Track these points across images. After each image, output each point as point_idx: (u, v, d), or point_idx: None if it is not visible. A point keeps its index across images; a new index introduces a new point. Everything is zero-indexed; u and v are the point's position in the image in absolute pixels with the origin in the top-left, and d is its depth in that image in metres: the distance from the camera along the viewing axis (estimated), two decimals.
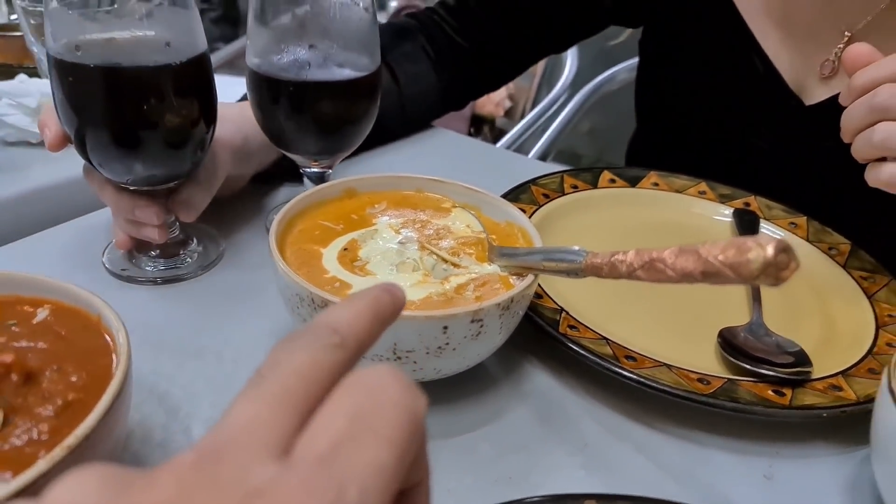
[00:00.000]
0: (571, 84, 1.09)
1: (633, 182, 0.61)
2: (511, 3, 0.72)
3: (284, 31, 0.47)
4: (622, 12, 0.74)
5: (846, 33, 0.59)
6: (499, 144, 1.02)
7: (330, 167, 0.51)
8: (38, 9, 0.72)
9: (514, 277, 0.39)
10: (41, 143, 0.64)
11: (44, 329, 0.30)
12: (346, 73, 0.47)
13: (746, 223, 0.55)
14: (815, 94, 0.61)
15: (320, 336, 0.17)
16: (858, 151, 0.44)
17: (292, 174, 0.57)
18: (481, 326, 0.34)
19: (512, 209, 0.44)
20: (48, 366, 0.28)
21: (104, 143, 0.41)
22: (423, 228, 0.42)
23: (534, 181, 0.58)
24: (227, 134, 0.49)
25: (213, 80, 0.45)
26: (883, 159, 0.43)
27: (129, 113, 0.41)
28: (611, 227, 0.56)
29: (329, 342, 0.17)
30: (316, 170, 0.51)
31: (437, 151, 0.72)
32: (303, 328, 0.18)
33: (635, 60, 0.79)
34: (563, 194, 0.58)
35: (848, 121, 0.44)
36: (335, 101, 0.47)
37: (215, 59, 1.31)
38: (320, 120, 0.47)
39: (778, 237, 0.24)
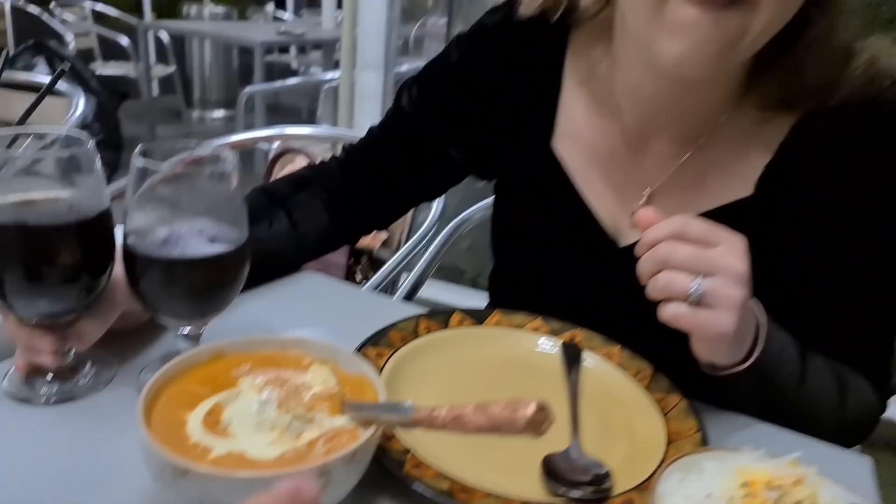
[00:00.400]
0: (439, 219, 1.21)
1: (480, 321, 0.70)
2: (381, 162, 0.85)
3: (156, 210, 0.53)
4: (472, 168, 0.87)
5: (647, 189, 0.74)
6: (374, 278, 1.10)
7: (202, 327, 0.56)
8: None
9: (362, 428, 0.45)
10: None
11: None
12: (215, 248, 0.53)
13: (571, 355, 0.65)
14: (627, 238, 0.75)
15: None
16: (650, 293, 0.56)
17: None
18: (329, 478, 0.40)
19: (364, 364, 0.50)
20: None
21: (11, 286, 0.50)
22: (282, 386, 0.48)
23: (392, 326, 0.66)
24: (122, 274, 0.55)
25: (111, 231, 0.54)
26: (669, 299, 0.55)
27: (33, 263, 0.50)
28: (459, 366, 0.64)
29: None
30: (188, 330, 0.56)
31: (307, 296, 0.79)
32: None
33: (489, 200, 0.91)
34: (418, 336, 0.66)
35: (641, 269, 0.56)
36: (205, 274, 0.53)
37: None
38: (191, 291, 0.53)
39: (538, 401, 0.32)
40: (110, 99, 3.58)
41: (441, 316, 0.69)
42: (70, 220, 0.51)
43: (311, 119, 5.39)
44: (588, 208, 0.76)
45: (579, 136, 0.77)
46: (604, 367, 0.65)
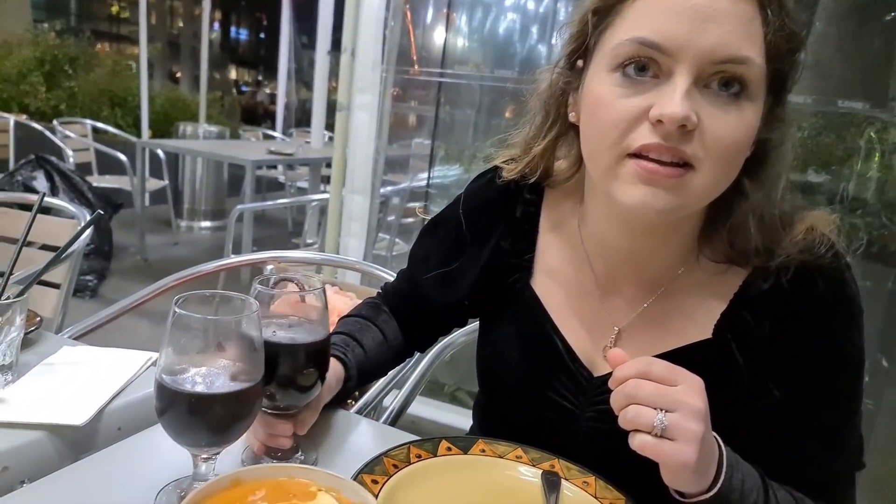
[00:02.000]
0: None
1: (465, 449, 0.76)
2: (410, 309, 1.00)
3: (187, 352, 0.61)
4: (475, 312, 0.97)
5: (616, 328, 0.83)
6: (362, 400, 1.15)
7: (217, 454, 0.62)
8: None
9: None
10: None
11: None
12: (235, 385, 0.61)
13: (551, 483, 0.71)
14: (601, 369, 0.83)
15: None
16: (622, 423, 0.63)
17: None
18: None
19: (365, 493, 0.56)
20: None
21: (277, 384, 0.70)
22: None
23: (386, 453, 0.72)
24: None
25: (328, 350, 0.76)
26: (637, 430, 0.62)
27: (295, 369, 0.71)
28: (448, 491, 0.70)
29: None
30: (206, 456, 0.62)
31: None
32: None
33: (470, 327, 1.00)
34: (410, 463, 0.72)
35: (613, 402, 0.64)
36: (224, 407, 0.60)
37: (107, 313, 1.38)
38: (211, 421, 0.59)
39: None
40: (105, 210, 3.69)
41: (429, 444, 0.75)
42: (314, 339, 0.72)
43: (296, 231, 5.55)
44: (565, 342, 0.84)
45: (555, 276, 0.87)
46: (580, 496, 0.70)
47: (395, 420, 1.13)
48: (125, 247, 4.52)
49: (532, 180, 0.87)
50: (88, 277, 3.60)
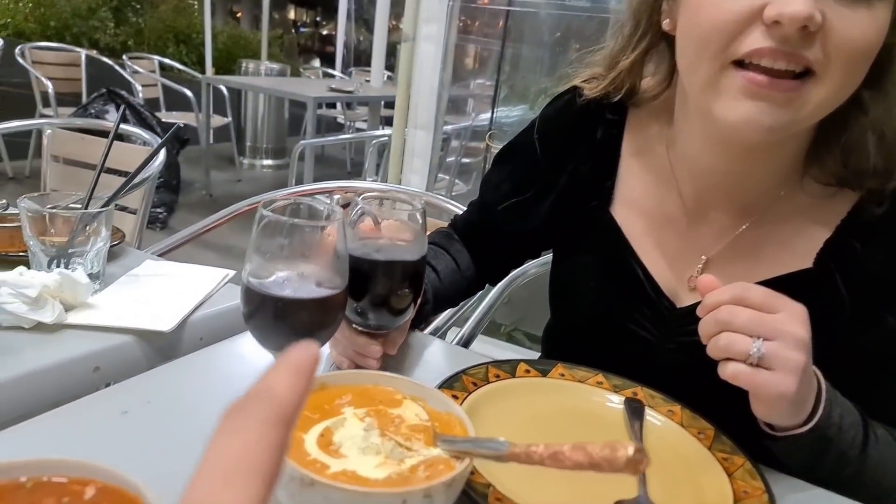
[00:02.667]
0: None
1: (544, 373, 0.74)
2: (480, 238, 0.97)
3: (273, 257, 0.60)
4: (550, 241, 0.94)
5: (703, 257, 0.79)
6: (426, 331, 1.15)
7: None
8: (42, 212, 0.82)
9: (455, 459, 0.49)
10: (33, 328, 0.72)
11: None
12: (320, 292, 0.60)
13: (635, 410, 0.69)
14: (685, 300, 0.79)
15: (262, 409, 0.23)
16: (711, 352, 0.60)
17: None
18: (431, 500, 0.44)
19: (451, 403, 0.55)
20: None
21: (371, 301, 0.68)
22: (381, 417, 0.53)
23: (464, 371, 0.71)
24: None
25: (424, 273, 0.73)
26: (729, 359, 0.59)
27: (392, 287, 0.69)
28: (527, 412, 0.68)
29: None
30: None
31: None
32: (250, 394, 0.23)
33: (543, 258, 0.98)
34: (488, 382, 0.70)
35: (702, 329, 0.60)
36: (309, 313, 0.59)
37: (181, 236, 1.42)
38: (295, 326, 0.59)
39: (636, 443, 0.37)
40: (172, 145, 3.78)
41: (507, 365, 0.74)
42: (412, 259, 0.69)
43: (355, 170, 5.58)
44: (647, 272, 0.80)
45: (637, 204, 0.83)
46: (666, 425, 0.68)
47: (468, 343, 1.12)
48: (191, 182, 4.64)
49: (615, 99, 0.82)
50: (159, 210, 3.72)
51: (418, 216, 0.68)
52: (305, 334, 0.61)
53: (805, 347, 0.58)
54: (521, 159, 0.92)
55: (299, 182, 3.52)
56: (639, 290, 0.81)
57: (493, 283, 1.08)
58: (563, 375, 0.74)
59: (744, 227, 0.76)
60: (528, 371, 0.74)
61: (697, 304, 0.76)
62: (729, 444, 0.65)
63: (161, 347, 0.79)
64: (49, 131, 1.92)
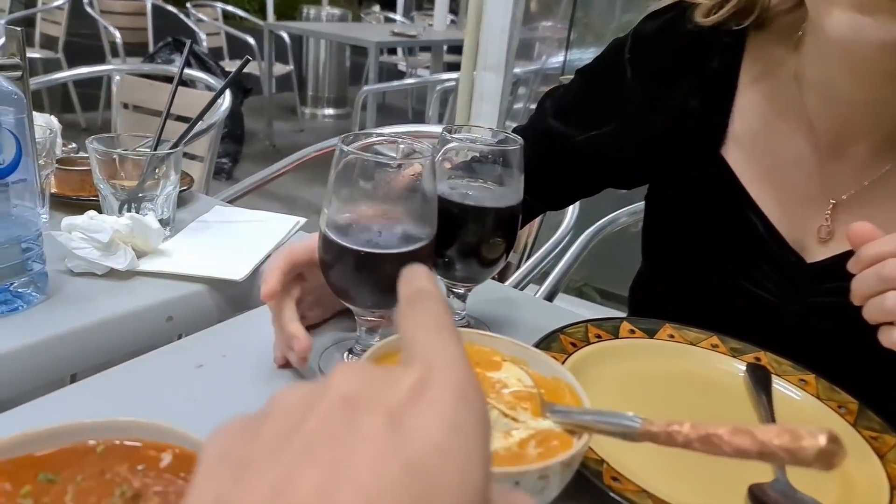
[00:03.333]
0: (574, 226, 1.18)
1: (651, 333, 0.66)
2: (544, 162, 0.82)
3: (353, 202, 0.54)
4: (639, 180, 0.83)
5: (831, 201, 0.68)
6: (507, 283, 1.08)
7: (384, 318, 0.56)
8: (111, 154, 0.79)
9: (569, 434, 0.42)
10: (106, 275, 0.69)
11: (170, 473, 0.33)
12: (405, 244, 0.53)
13: (760, 378, 0.60)
14: (815, 254, 0.68)
15: None
16: (870, 315, 0.50)
17: None
18: (546, 481, 0.38)
19: (559, 367, 0.48)
20: None
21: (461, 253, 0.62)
22: (480, 381, 0.46)
23: (562, 330, 0.63)
24: None
25: (518, 220, 0.64)
26: (892, 323, 0.49)
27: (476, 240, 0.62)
28: (636, 377, 0.61)
29: None
30: (372, 318, 0.56)
31: None
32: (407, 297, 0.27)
33: (635, 206, 0.87)
34: (588, 343, 0.63)
35: (858, 287, 0.51)
36: (393, 266, 0.52)
37: (246, 184, 1.39)
38: (377, 281, 0.53)
39: (826, 428, 0.29)
40: (235, 95, 3.77)
41: (609, 324, 0.66)
42: (506, 205, 0.61)
43: (417, 119, 5.48)
44: (766, 221, 0.70)
45: (755, 143, 0.72)
46: (798, 397, 0.59)
47: (551, 297, 1.05)
48: (254, 132, 4.65)
49: (734, 21, 0.70)
50: (224, 160, 3.75)
51: (519, 153, 0.60)
52: (389, 290, 0.54)
53: None
54: (607, 83, 0.80)
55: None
56: (757, 243, 0.71)
57: (556, 208, 0.96)
58: (672, 337, 0.66)
59: (888, 166, 0.65)
60: (632, 331, 0.66)
61: (834, 257, 0.66)
62: (878, 421, 0.55)
63: (233, 297, 0.75)
64: (118, 77, 1.91)
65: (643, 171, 0.82)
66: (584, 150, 0.81)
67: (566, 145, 0.82)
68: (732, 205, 0.72)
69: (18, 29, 0.71)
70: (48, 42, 4.57)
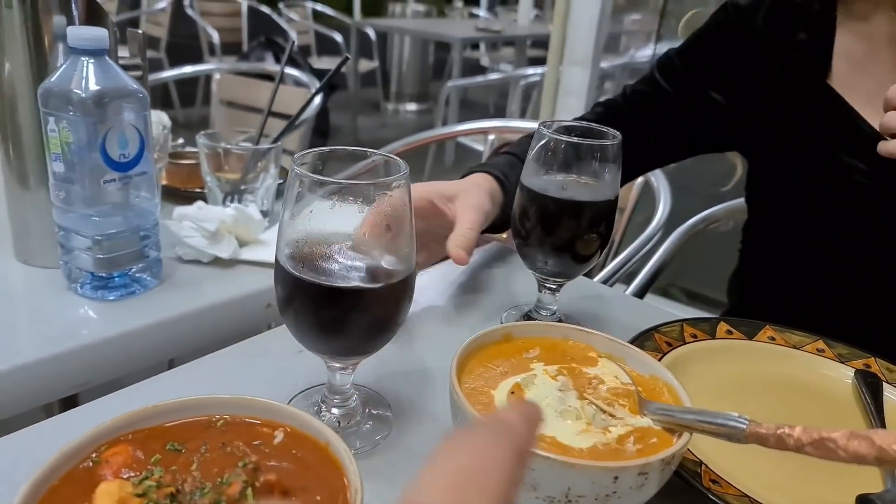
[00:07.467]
0: (665, 223, 1.15)
1: (750, 335, 0.64)
2: (652, 107, 0.89)
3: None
4: (739, 121, 0.83)
5: None
6: (595, 279, 1.06)
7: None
8: (218, 148, 0.83)
9: (668, 432, 0.42)
10: (210, 263, 0.74)
11: (282, 450, 0.35)
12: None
13: (869, 385, 0.57)
14: None
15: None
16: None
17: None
18: (645, 478, 0.38)
19: (657, 365, 0.48)
20: (297, 484, 0.33)
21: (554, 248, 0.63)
22: (576, 377, 0.47)
23: (656, 329, 0.62)
24: None
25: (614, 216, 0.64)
26: None
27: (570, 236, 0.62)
28: (735, 381, 0.59)
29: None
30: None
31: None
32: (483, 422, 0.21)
33: (728, 204, 0.85)
34: (684, 343, 0.62)
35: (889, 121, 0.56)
36: (368, 307, 0.46)
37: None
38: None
39: None
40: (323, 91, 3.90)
41: (706, 324, 0.64)
42: (602, 199, 0.61)
43: (498, 114, 5.47)
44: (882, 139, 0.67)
45: (861, 71, 0.73)
46: None
47: (641, 295, 1.03)
48: (339, 127, 4.78)
49: None
50: None
51: (616, 147, 0.60)
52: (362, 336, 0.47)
53: None
54: (714, 35, 0.84)
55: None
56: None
57: (660, 164, 0.98)
58: (773, 339, 0.63)
59: None
60: (729, 332, 0.64)
61: None
62: None
63: None
64: (218, 76, 2.01)
65: (752, 119, 0.81)
66: (696, 100, 0.84)
67: (674, 97, 0.86)
68: (844, 130, 0.72)
69: (140, 31, 0.76)
70: (151, 42, 4.86)
